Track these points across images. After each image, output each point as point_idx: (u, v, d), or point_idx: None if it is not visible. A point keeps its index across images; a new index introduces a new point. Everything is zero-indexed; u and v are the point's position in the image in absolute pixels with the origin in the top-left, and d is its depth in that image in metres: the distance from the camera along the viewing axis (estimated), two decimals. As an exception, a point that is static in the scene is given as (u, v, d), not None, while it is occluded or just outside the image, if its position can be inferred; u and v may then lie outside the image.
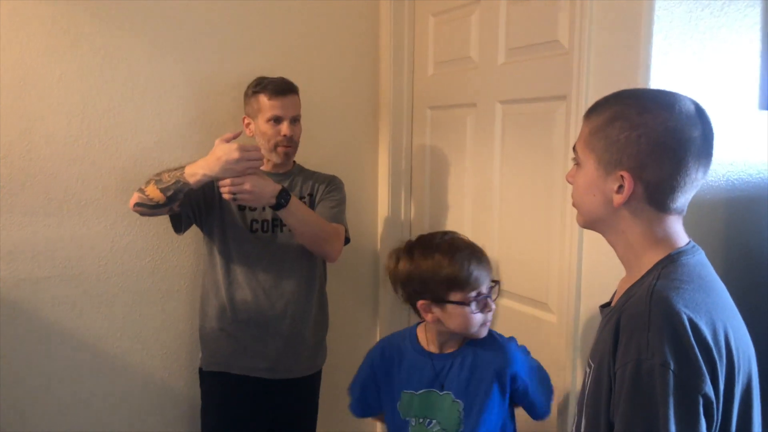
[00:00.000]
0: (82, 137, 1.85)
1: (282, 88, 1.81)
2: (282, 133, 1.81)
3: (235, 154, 1.56)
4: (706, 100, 0.97)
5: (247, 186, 1.59)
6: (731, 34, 1.42)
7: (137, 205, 1.68)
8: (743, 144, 1.47)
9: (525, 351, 1.47)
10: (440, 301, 1.34)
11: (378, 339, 2.40)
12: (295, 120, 1.84)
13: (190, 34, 1.96)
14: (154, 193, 1.65)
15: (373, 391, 1.51)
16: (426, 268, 1.34)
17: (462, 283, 1.33)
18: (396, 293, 1.43)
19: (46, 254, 1.84)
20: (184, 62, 1.96)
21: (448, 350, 1.44)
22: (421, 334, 1.48)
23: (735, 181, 1.47)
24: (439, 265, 1.33)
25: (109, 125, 1.88)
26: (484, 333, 1.40)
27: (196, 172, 1.61)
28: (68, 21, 1.79)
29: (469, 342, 1.43)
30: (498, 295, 1.41)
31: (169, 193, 1.64)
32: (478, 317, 1.36)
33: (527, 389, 1.43)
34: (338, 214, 1.87)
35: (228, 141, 1.61)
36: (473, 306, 1.34)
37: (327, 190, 1.91)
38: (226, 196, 1.62)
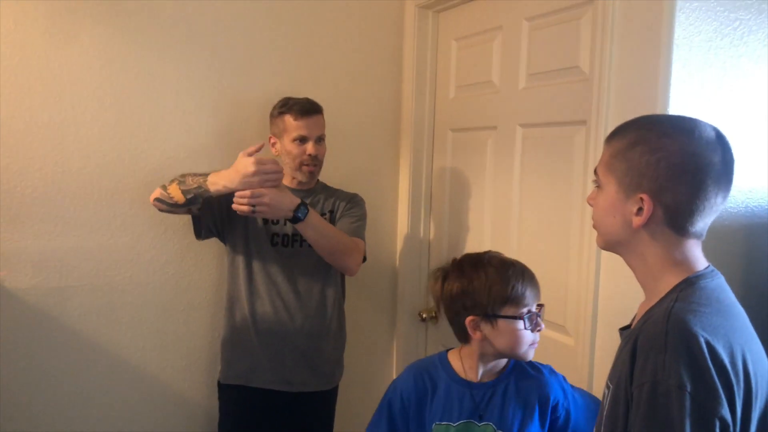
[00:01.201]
0: (114, 151, 1.91)
1: (307, 109, 1.85)
2: (307, 153, 1.85)
3: (251, 168, 1.62)
4: (725, 127, 0.99)
5: (265, 199, 1.64)
6: (750, 64, 1.44)
7: (157, 200, 1.74)
8: (763, 171, 1.48)
9: (564, 379, 1.43)
10: (492, 316, 1.31)
11: (395, 358, 2.41)
12: (320, 139, 1.89)
13: (219, 55, 2.02)
14: (175, 192, 1.71)
15: (402, 425, 1.41)
16: (479, 283, 1.31)
17: (516, 298, 1.30)
18: (439, 312, 1.38)
19: (74, 264, 1.89)
20: (213, 82, 2.02)
21: (487, 379, 1.39)
22: (455, 362, 1.41)
23: (754, 208, 1.48)
24: (493, 279, 1.31)
25: (139, 140, 1.94)
26: (531, 355, 1.34)
27: (217, 182, 1.67)
28: (104, 40, 1.86)
29: (509, 370, 1.39)
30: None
31: (189, 196, 1.70)
32: (528, 336, 1.32)
33: (569, 418, 1.38)
34: (358, 229, 1.90)
35: (251, 154, 1.65)
36: (525, 322, 1.30)
37: (347, 207, 1.94)
38: (244, 208, 1.65)
